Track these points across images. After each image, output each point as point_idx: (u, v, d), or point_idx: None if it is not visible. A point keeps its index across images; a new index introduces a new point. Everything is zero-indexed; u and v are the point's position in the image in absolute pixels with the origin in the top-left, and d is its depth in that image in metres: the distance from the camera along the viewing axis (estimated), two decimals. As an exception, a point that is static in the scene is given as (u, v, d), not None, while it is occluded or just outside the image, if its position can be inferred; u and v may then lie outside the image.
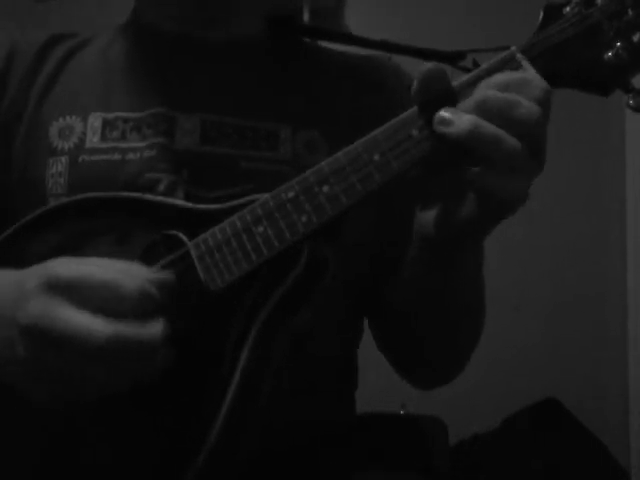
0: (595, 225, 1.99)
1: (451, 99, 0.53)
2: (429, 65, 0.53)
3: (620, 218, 1.97)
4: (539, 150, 0.52)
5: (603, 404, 1.88)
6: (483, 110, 0.51)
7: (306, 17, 1.89)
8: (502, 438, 1.69)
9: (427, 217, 0.59)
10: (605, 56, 0.50)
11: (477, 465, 1.64)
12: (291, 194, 0.56)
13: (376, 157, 0.54)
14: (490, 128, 0.50)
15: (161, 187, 0.69)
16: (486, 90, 0.52)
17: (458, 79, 0.55)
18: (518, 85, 0.51)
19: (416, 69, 0.83)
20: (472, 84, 0.53)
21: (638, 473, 1.82)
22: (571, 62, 0.52)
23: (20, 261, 0.58)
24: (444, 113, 0.52)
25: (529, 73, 0.52)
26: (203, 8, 0.77)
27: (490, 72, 0.54)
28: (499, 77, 0.52)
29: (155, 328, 0.51)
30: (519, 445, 1.65)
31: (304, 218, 0.55)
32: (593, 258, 1.98)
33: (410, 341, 0.79)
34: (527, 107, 0.50)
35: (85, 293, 0.51)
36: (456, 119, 0.51)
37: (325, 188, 0.55)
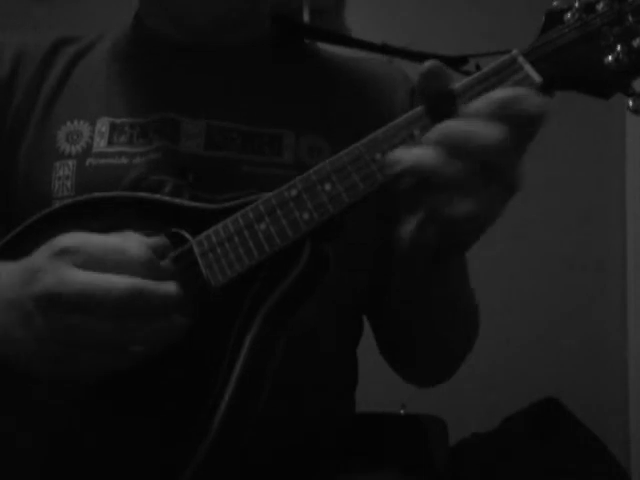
0: (595, 226, 1.99)
1: (450, 98, 0.53)
2: (427, 63, 0.53)
3: (620, 218, 1.98)
4: (502, 177, 0.51)
5: (603, 404, 1.89)
6: (443, 144, 0.51)
7: (306, 17, 1.90)
8: (502, 438, 1.69)
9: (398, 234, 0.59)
10: (606, 60, 0.51)
11: (477, 465, 1.64)
12: (293, 192, 0.57)
13: (378, 156, 0.54)
14: (430, 161, 0.50)
15: (166, 189, 0.69)
16: (446, 125, 0.52)
17: (460, 81, 0.55)
18: (510, 102, 0.51)
19: (417, 71, 0.84)
20: (474, 85, 0.54)
21: (638, 473, 1.83)
22: (572, 66, 0.53)
23: None
24: (391, 156, 0.52)
25: (522, 89, 0.52)
26: (207, 14, 0.77)
27: (491, 75, 0.54)
28: (492, 95, 0.52)
29: (170, 285, 0.52)
30: (519, 445, 1.65)
31: (306, 216, 0.56)
32: (593, 259, 1.99)
33: (402, 343, 0.81)
34: (484, 137, 0.49)
35: (95, 257, 0.52)
36: (402, 156, 0.51)
37: (327, 186, 0.56)
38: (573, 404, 1.65)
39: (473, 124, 0.50)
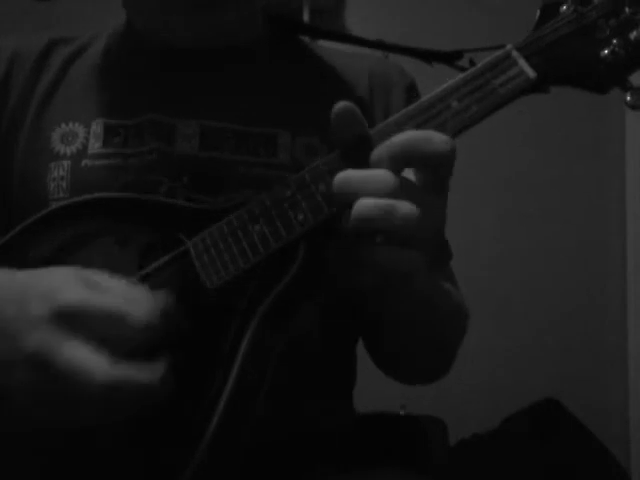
0: (595, 226, 1.99)
1: (365, 143, 0.54)
2: (337, 107, 0.54)
3: (620, 219, 1.98)
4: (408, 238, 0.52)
5: (603, 404, 1.88)
6: (343, 197, 0.52)
7: (306, 17, 1.90)
8: (502, 438, 1.68)
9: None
10: (602, 54, 0.50)
11: (477, 465, 1.64)
12: (287, 192, 0.56)
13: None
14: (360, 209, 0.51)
15: (161, 191, 0.69)
16: (339, 176, 0.53)
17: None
18: (416, 142, 0.52)
19: (410, 71, 0.84)
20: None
21: (638, 473, 1.82)
22: (568, 60, 0.52)
23: (23, 263, 0.58)
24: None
25: (429, 131, 0.52)
26: (198, 9, 0.77)
27: (485, 71, 0.54)
28: (396, 139, 0.52)
29: (156, 370, 0.51)
30: (519, 445, 1.65)
31: (300, 216, 0.55)
32: (593, 259, 1.98)
33: (382, 350, 0.80)
34: (377, 183, 0.51)
35: (90, 324, 0.51)
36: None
37: (322, 187, 0.55)
38: (573, 404, 1.65)
39: (367, 172, 0.52)
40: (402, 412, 1.63)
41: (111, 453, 0.57)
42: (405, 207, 0.50)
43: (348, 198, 0.52)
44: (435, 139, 0.51)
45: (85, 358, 0.50)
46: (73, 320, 0.51)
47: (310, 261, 0.57)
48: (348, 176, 0.52)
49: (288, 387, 0.65)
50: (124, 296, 0.53)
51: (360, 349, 0.84)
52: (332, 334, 0.76)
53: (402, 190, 0.51)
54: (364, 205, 0.51)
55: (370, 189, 0.51)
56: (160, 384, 0.51)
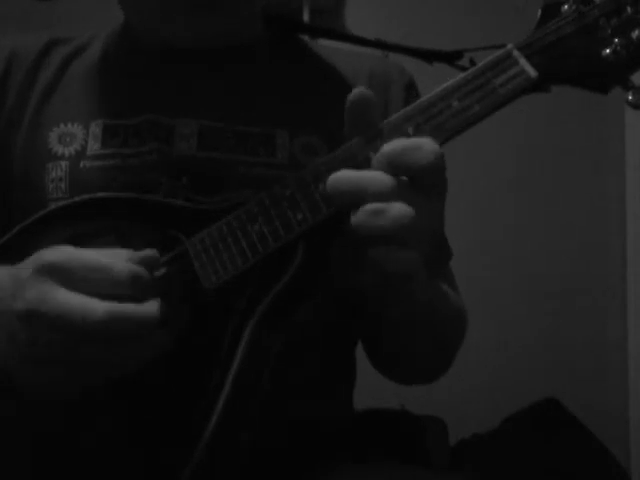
0: (595, 226, 1.99)
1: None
2: (352, 94, 0.54)
3: (620, 219, 1.97)
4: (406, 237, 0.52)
5: (603, 404, 1.88)
6: (339, 198, 0.52)
7: (306, 17, 1.90)
8: (502, 438, 1.68)
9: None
10: (603, 53, 0.50)
11: (477, 465, 1.64)
12: (287, 192, 0.56)
13: (371, 155, 0.54)
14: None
15: (161, 191, 0.69)
16: (333, 176, 0.53)
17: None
18: (405, 153, 0.51)
19: (410, 71, 0.84)
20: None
21: (638, 473, 1.82)
22: (569, 60, 0.52)
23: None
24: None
25: (417, 140, 0.52)
26: (197, 8, 0.77)
27: (486, 71, 0.54)
28: (384, 149, 0.52)
29: (150, 306, 0.52)
30: (519, 445, 1.65)
31: (299, 216, 0.55)
32: (593, 259, 1.98)
33: (380, 350, 0.80)
34: (377, 178, 0.51)
35: (78, 276, 0.52)
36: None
37: (321, 186, 0.55)
38: (573, 404, 1.65)
39: (362, 173, 0.52)
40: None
41: (111, 452, 0.57)
42: (398, 208, 0.50)
43: (342, 199, 0.52)
44: (422, 149, 0.51)
45: (78, 299, 0.51)
46: (58, 273, 0.52)
47: (309, 261, 0.57)
48: (341, 176, 0.52)
49: (287, 387, 0.65)
50: (106, 253, 0.54)
51: (360, 349, 0.84)
52: (332, 334, 0.76)
53: (397, 191, 0.51)
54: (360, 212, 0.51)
55: (363, 190, 0.51)
56: (157, 316, 0.52)
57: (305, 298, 0.60)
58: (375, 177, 0.51)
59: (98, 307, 0.50)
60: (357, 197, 0.51)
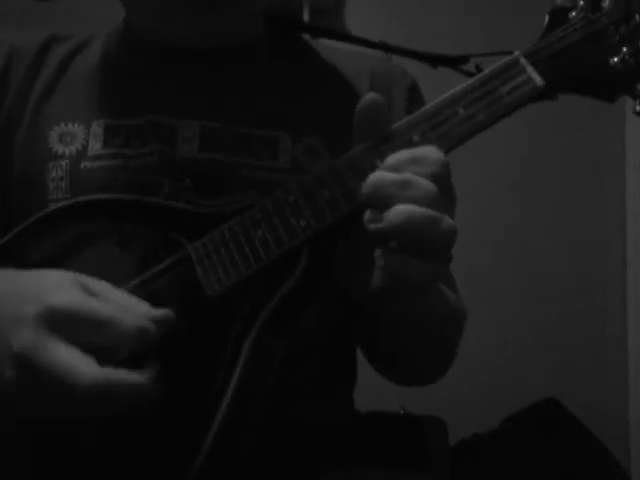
0: (595, 226, 1.99)
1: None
2: (364, 100, 0.53)
3: (620, 219, 1.97)
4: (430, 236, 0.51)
5: (603, 404, 1.88)
6: (377, 198, 0.51)
7: (306, 17, 1.89)
8: (502, 438, 1.68)
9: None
10: (611, 61, 0.50)
11: (477, 465, 1.64)
12: (290, 198, 0.56)
13: (377, 162, 0.54)
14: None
15: (163, 193, 0.69)
16: (377, 174, 0.51)
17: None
18: (411, 163, 0.51)
19: (413, 74, 0.83)
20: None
21: (638, 473, 1.82)
22: (576, 67, 0.52)
23: (22, 264, 0.58)
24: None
25: (422, 149, 0.52)
26: (198, 8, 0.76)
27: (493, 78, 0.53)
28: (390, 159, 0.52)
29: (143, 377, 0.51)
30: (519, 445, 1.65)
31: (303, 222, 0.55)
32: (593, 259, 1.98)
33: (379, 350, 0.80)
34: (420, 186, 0.50)
35: (79, 328, 0.51)
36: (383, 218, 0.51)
37: (325, 193, 0.55)
38: (573, 404, 1.65)
39: (406, 177, 0.50)
40: (402, 412, 1.63)
41: (112, 456, 0.57)
42: (448, 220, 0.49)
43: (381, 201, 0.50)
44: (428, 159, 0.50)
45: (70, 359, 0.49)
46: (61, 322, 0.50)
47: (313, 266, 0.57)
48: (384, 178, 0.51)
49: (290, 390, 0.65)
50: (117, 304, 0.52)
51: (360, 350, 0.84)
52: (335, 337, 0.76)
53: (441, 201, 0.50)
54: (411, 211, 0.49)
55: (409, 195, 0.49)
56: (147, 388, 0.50)
57: (309, 304, 0.59)
58: (422, 182, 0.50)
59: (86, 373, 0.49)
60: (396, 199, 0.49)
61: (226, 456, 0.56)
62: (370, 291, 0.62)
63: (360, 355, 0.84)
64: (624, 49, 0.49)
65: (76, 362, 0.49)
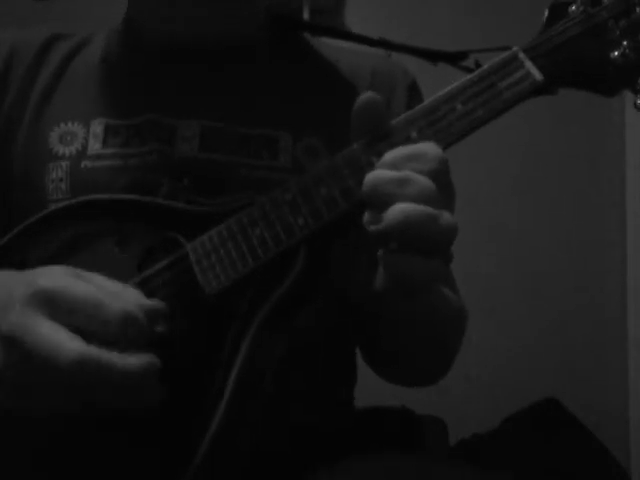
0: (595, 225, 1.99)
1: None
2: (361, 98, 0.53)
3: (620, 218, 1.97)
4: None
5: (603, 404, 1.88)
6: (376, 197, 0.50)
7: (306, 17, 1.89)
8: (502, 438, 1.68)
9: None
10: (611, 55, 0.50)
11: (477, 465, 1.64)
12: (288, 196, 0.56)
13: (374, 159, 0.53)
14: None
15: (162, 192, 0.68)
16: (374, 174, 0.51)
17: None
18: (409, 160, 0.50)
19: (413, 71, 0.83)
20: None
21: (638, 473, 1.82)
22: (576, 62, 0.52)
23: (22, 265, 0.58)
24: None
25: (420, 146, 0.51)
26: (199, 6, 0.76)
27: (491, 73, 0.53)
28: (387, 156, 0.52)
29: (135, 359, 0.50)
30: (519, 445, 1.65)
31: (301, 221, 0.55)
32: (593, 258, 1.98)
33: (379, 350, 0.80)
34: (419, 183, 0.49)
35: (67, 308, 0.50)
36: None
37: (323, 191, 0.54)
38: (573, 404, 1.65)
39: (405, 174, 0.50)
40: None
41: (110, 455, 0.57)
42: (447, 217, 0.49)
43: (380, 199, 0.50)
44: (426, 155, 0.50)
45: (56, 336, 0.49)
46: (48, 303, 0.50)
47: (311, 265, 0.57)
48: (382, 176, 0.50)
49: (289, 391, 0.65)
50: (108, 291, 0.52)
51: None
52: (334, 337, 0.76)
53: (438, 197, 0.49)
54: (410, 210, 0.49)
55: (407, 193, 0.49)
56: (138, 371, 0.49)
57: (306, 302, 0.59)
58: (420, 179, 0.49)
59: (72, 348, 0.48)
60: (395, 198, 0.49)
61: (225, 456, 0.56)
62: (371, 291, 0.61)
63: (360, 358, 0.84)
64: (624, 43, 0.49)
65: (62, 338, 0.49)
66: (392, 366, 0.80)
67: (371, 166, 0.53)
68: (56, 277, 0.52)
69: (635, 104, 0.50)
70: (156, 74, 0.77)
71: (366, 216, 0.51)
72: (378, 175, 0.50)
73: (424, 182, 0.49)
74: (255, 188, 0.66)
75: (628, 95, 0.52)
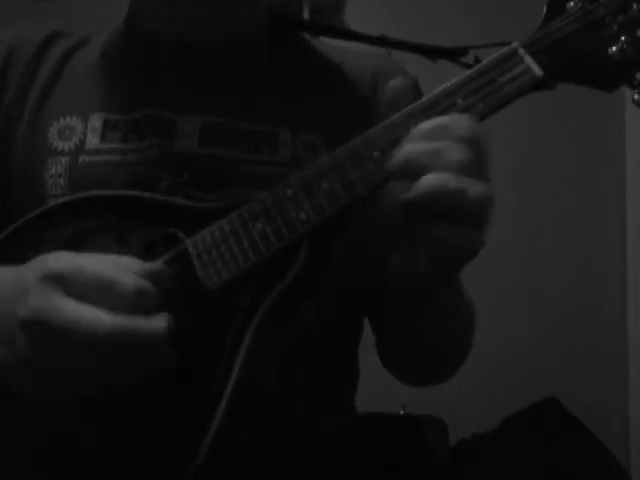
0: (595, 225, 1.99)
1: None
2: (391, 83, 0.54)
3: (620, 218, 1.97)
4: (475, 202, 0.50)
5: (603, 404, 1.88)
6: (409, 169, 0.50)
7: (306, 17, 1.90)
8: (502, 438, 1.68)
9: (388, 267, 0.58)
10: (609, 51, 0.50)
11: (477, 465, 1.64)
12: (289, 191, 0.56)
13: (376, 154, 0.53)
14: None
15: (161, 188, 0.68)
16: (408, 146, 0.51)
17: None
18: (441, 131, 0.51)
19: (413, 68, 0.84)
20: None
21: (638, 473, 1.82)
22: (575, 58, 0.52)
23: (21, 261, 0.58)
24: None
25: (453, 117, 0.52)
26: (200, 6, 0.76)
27: (491, 68, 0.53)
28: (420, 128, 0.52)
29: (159, 322, 0.51)
30: (519, 445, 1.65)
31: (303, 216, 0.55)
32: (593, 258, 1.98)
33: (399, 345, 0.80)
34: (452, 153, 0.50)
35: (83, 288, 0.51)
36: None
37: (324, 185, 0.55)
38: (573, 404, 1.65)
39: (440, 144, 0.50)
40: (402, 412, 1.63)
41: (111, 453, 0.57)
42: (480, 186, 0.49)
43: (413, 171, 0.50)
44: (458, 127, 0.50)
45: (84, 311, 0.50)
46: (62, 282, 0.51)
47: (313, 259, 0.57)
48: (416, 148, 0.51)
49: (291, 388, 0.65)
50: (114, 264, 0.53)
51: (361, 349, 0.83)
52: (336, 334, 0.76)
53: (474, 168, 0.50)
54: (442, 178, 0.49)
55: (443, 163, 0.49)
56: (165, 333, 0.51)
57: (308, 297, 0.59)
58: (455, 149, 0.50)
59: (105, 320, 0.49)
60: (427, 169, 0.49)
61: (226, 453, 0.56)
62: (412, 274, 0.60)
63: (360, 355, 0.83)
64: (622, 38, 0.49)
65: (91, 312, 0.50)
66: (425, 365, 0.80)
67: (372, 160, 0.53)
68: (65, 257, 0.53)
69: (633, 99, 0.50)
70: (156, 69, 0.77)
71: (395, 186, 0.51)
72: (412, 147, 0.51)
73: (456, 152, 0.50)
74: (255, 183, 0.66)
75: (628, 94, 0.52)
